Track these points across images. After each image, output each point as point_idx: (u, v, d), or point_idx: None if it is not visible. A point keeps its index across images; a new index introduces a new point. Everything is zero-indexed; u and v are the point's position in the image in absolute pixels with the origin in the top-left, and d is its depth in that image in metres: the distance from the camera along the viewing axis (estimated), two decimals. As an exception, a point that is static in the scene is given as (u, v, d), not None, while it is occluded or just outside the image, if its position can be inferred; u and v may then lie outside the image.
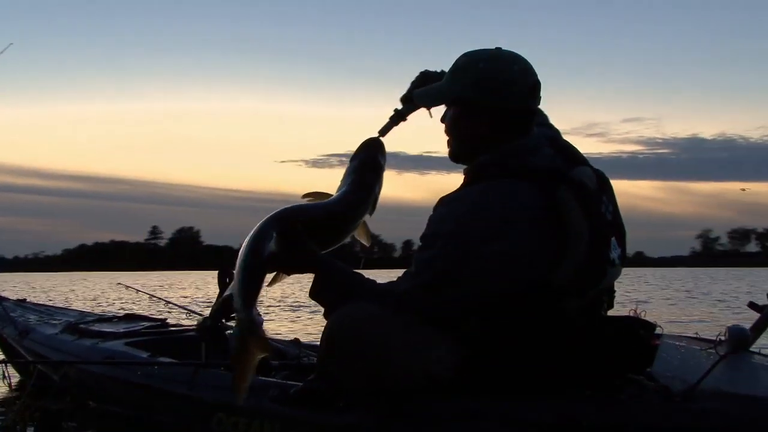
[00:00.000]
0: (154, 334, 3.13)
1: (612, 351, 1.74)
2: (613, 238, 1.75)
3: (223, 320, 3.29)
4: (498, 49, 1.83)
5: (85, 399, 2.54)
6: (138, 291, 5.67)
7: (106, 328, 3.32)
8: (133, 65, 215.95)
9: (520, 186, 1.73)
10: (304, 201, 2.05)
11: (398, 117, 2.13)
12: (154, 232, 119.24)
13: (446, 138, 1.91)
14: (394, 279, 1.82)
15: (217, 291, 3.42)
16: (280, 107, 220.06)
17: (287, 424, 1.95)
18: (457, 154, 1.90)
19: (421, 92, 1.95)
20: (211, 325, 3.24)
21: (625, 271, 1.85)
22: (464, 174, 1.87)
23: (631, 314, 1.97)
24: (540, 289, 1.71)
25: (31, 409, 2.29)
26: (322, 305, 1.86)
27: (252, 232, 1.78)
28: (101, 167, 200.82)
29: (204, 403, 2.21)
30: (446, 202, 1.79)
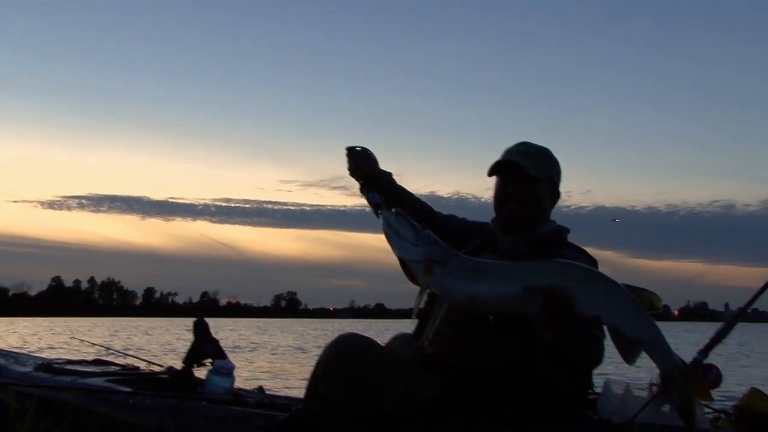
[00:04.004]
0: (129, 375, 3.28)
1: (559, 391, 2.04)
2: None
3: (195, 365, 3.50)
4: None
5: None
6: (93, 344, 5.79)
7: (80, 368, 3.45)
8: None
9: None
10: None
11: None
12: None
13: (506, 204, 2.22)
14: None
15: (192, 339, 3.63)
16: (13, 145, 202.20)
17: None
18: (527, 220, 2.21)
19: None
20: (183, 369, 3.44)
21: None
22: (521, 243, 2.20)
23: None
24: None
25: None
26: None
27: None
28: None
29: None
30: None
